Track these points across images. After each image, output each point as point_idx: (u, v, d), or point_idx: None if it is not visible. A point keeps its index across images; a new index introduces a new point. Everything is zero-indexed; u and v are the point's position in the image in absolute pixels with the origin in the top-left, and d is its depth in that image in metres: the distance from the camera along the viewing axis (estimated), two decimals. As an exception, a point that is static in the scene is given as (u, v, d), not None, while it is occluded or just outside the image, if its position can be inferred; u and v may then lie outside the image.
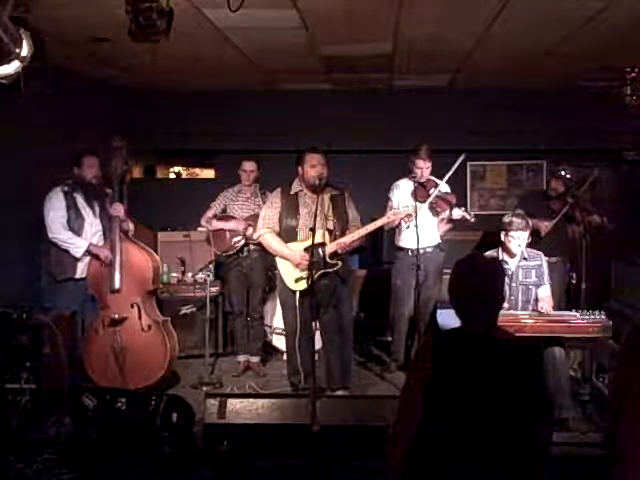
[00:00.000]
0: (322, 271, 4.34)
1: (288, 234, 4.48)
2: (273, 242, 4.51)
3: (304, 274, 4.31)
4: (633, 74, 4.87)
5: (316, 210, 4.13)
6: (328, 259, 4.37)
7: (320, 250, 4.33)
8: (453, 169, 5.03)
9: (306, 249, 4.36)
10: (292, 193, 4.51)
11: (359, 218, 4.62)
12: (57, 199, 4.69)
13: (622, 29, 4.38)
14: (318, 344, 4.66)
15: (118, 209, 4.70)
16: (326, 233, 4.39)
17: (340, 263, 4.41)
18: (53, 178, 4.81)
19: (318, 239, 4.22)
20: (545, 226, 5.27)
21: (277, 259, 4.55)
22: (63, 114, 5.47)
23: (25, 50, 3.17)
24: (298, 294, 4.43)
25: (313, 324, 4.30)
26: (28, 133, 4.99)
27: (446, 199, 5.04)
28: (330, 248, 4.37)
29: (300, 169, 4.45)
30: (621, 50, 4.87)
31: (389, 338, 5.67)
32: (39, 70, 3.34)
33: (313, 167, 4.38)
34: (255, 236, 4.74)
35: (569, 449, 3.71)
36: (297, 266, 4.39)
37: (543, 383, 2.32)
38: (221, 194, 5.55)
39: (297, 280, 4.42)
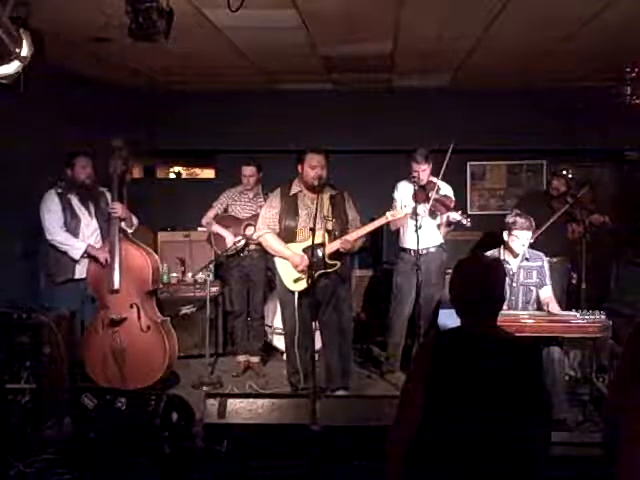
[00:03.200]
0: (321, 271, 4.35)
1: (287, 234, 4.49)
2: (273, 242, 4.52)
3: (303, 275, 4.32)
4: (633, 74, 4.85)
5: (316, 211, 4.15)
6: (327, 259, 4.38)
7: (319, 250, 4.34)
8: (446, 162, 4.98)
9: (305, 249, 4.37)
10: (291, 194, 4.52)
11: (359, 218, 4.63)
12: (52, 201, 4.69)
13: (622, 29, 4.37)
14: (318, 344, 4.67)
15: (117, 209, 4.70)
16: (325, 233, 4.39)
17: (339, 263, 4.42)
18: (48, 179, 4.81)
19: (317, 239, 4.22)
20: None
21: (276, 259, 4.55)
22: (63, 114, 5.46)
23: (25, 50, 3.17)
24: (297, 294, 4.44)
25: (313, 324, 4.31)
26: (28, 133, 4.99)
27: (444, 202, 5.03)
28: (333, 246, 4.38)
29: (300, 168, 4.46)
30: (621, 50, 4.87)
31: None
32: (39, 70, 3.34)
33: (312, 168, 4.38)
34: (255, 236, 4.75)
35: (569, 449, 3.71)
36: (295, 267, 4.40)
37: (542, 383, 2.32)
38: (223, 194, 5.55)
39: (296, 280, 4.43)
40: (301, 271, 4.36)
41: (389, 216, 4.53)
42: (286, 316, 4.59)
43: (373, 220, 4.58)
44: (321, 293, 4.40)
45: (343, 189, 4.66)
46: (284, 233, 4.50)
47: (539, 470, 2.19)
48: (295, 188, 4.52)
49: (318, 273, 4.30)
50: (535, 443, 2.19)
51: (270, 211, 4.56)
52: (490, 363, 2.20)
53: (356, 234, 4.43)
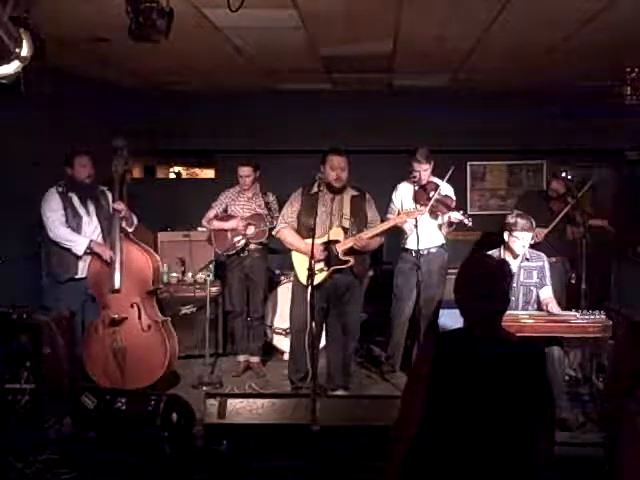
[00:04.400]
0: (334, 267, 4.44)
1: (305, 231, 4.55)
2: (289, 236, 4.63)
3: (317, 267, 4.36)
4: (633, 74, 4.85)
5: (316, 211, 4.22)
6: (341, 256, 4.44)
7: (333, 247, 4.45)
8: (445, 180, 5.04)
9: (322, 244, 4.44)
10: (312, 192, 4.60)
11: (379, 220, 4.69)
12: (53, 199, 4.69)
13: (622, 29, 4.37)
14: (320, 343, 4.68)
15: (119, 207, 4.71)
16: (341, 231, 4.49)
17: (352, 260, 4.46)
18: (51, 179, 4.82)
19: (333, 236, 4.41)
20: (538, 233, 5.10)
21: (293, 254, 4.64)
22: (63, 114, 5.46)
23: (25, 50, 3.17)
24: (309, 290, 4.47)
25: (314, 323, 4.33)
26: (28, 133, 4.99)
27: (445, 202, 5.04)
28: (346, 244, 4.45)
29: (322, 168, 4.55)
30: (621, 50, 4.87)
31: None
32: (39, 70, 3.34)
33: (333, 169, 4.50)
34: (274, 232, 4.84)
35: (569, 449, 3.71)
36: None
37: (546, 385, 2.32)
38: (222, 194, 5.55)
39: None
40: (316, 261, 4.41)
41: (403, 216, 4.61)
42: (296, 312, 4.63)
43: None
44: (333, 288, 4.48)
45: (366, 191, 4.74)
46: (302, 230, 4.59)
47: (541, 471, 2.19)
48: (316, 187, 4.61)
49: (330, 270, 4.43)
50: (539, 444, 2.19)
51: (289, 209, 4.69)
52: (493, 364, 2.20)
53: (371, 232, 4.51)
